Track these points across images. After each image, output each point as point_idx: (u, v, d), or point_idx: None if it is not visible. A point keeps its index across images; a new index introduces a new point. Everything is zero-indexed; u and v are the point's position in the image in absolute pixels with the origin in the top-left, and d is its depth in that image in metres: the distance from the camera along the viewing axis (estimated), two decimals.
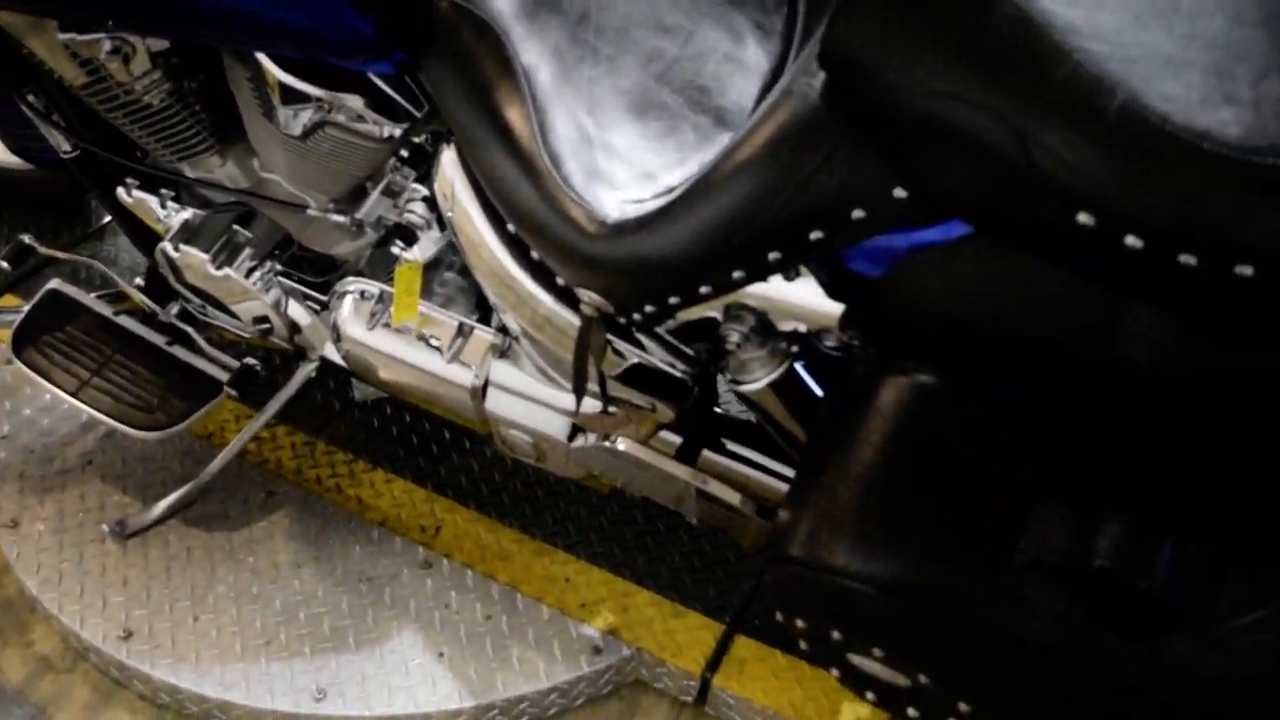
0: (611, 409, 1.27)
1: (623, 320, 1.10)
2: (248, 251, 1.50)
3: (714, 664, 1.52)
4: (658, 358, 1.19)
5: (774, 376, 1.06)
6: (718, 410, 1.33)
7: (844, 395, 0.95)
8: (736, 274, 0.98)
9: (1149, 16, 0.80)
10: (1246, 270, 0.76)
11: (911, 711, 0.96)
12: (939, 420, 0.90)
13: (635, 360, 1.20)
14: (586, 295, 1.09)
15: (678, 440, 1.31)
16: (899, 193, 0.89)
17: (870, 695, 0.97)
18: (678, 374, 1.20)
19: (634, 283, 1.04)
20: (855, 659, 0.92)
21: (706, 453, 1.30)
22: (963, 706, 0.89)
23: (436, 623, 1.56)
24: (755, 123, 0.94)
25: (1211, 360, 0.86)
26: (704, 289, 1.00)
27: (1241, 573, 0.83)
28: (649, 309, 1.05)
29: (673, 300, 1.03)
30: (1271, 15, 0.80)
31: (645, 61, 1.16)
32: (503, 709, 1.49)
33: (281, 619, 1.56)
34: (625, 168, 1.08)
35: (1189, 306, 0.84)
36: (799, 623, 0.92)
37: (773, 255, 0.95)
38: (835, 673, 0.97)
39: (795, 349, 1.06)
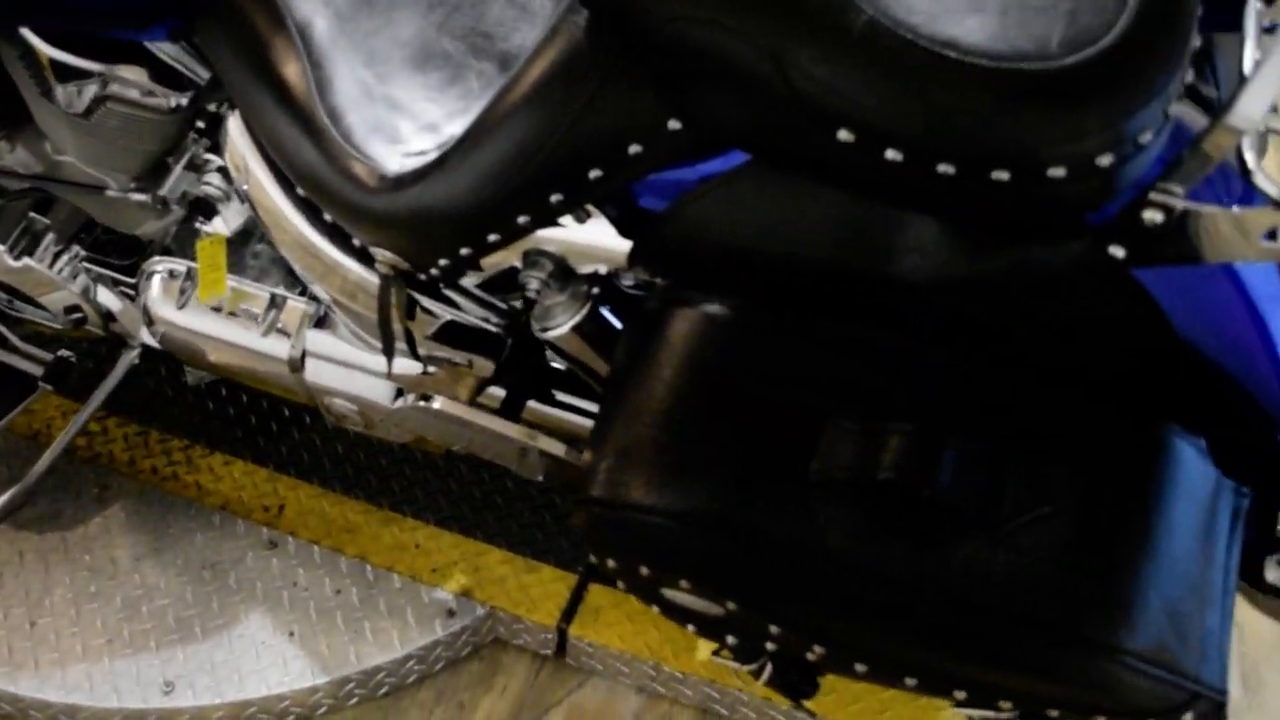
0: (431, 369, 1.25)
1: (423, 276, 1.08)
2: (49, 239, 1.43)
3: (569, 615, 1.53)
4: (470, 313, 1.17)
5: (576, 320, 1.05)
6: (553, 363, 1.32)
7: (636, 332, 0.94)
8: (521, 219, 0.96)
9: None
10: (1003, 175, 0.77)
11: (730, 639, 0.97)
12: (729, 349, 0.90)
13: (448, 318, 1.18)
14: (380, 254, 1.07)
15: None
16: (673, 125, 0.88)
17: (691, 627, 0.97)
18: (492, 328, 1.19)
19: (420, 236, 1.02)
20: (669, 593, 0.92)
21: (534, 405, 1.29)
22: (773, 629, 0.90)
23: (285, 602, 1.53)
24: (524, 65, 0.92)
25: (985, 268, 0.88)
26: (492, 237, 0.99)
27: (1024, 473, 0.85)
28: (443, 262, 1.03)
29: (464, 251, 1.01)
30: None
31: (425, 10, 1.13)
32: (359, 682, 1.48)
33: (123, 615, 1.52)
34: (407, 120, 1.06)
35: (956, 215, 0.86)
36: (610, 563, 0.92)
37: (555, 197, 0.94)
38: (656, 608, 0.97)
39: (596, 290, 1.05)
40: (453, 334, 1.20)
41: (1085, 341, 0.91)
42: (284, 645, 1.48)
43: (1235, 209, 0.79)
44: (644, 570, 0.90)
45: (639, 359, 0.92)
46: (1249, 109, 0.74)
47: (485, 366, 1.23)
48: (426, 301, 1.16)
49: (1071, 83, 0.74)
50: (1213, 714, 0.88)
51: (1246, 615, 1.14)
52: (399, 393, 1.33)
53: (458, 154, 0.96)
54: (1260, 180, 0.78)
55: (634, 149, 0.90)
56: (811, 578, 0.85)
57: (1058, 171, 0.77)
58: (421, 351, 1.22)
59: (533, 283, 1.04)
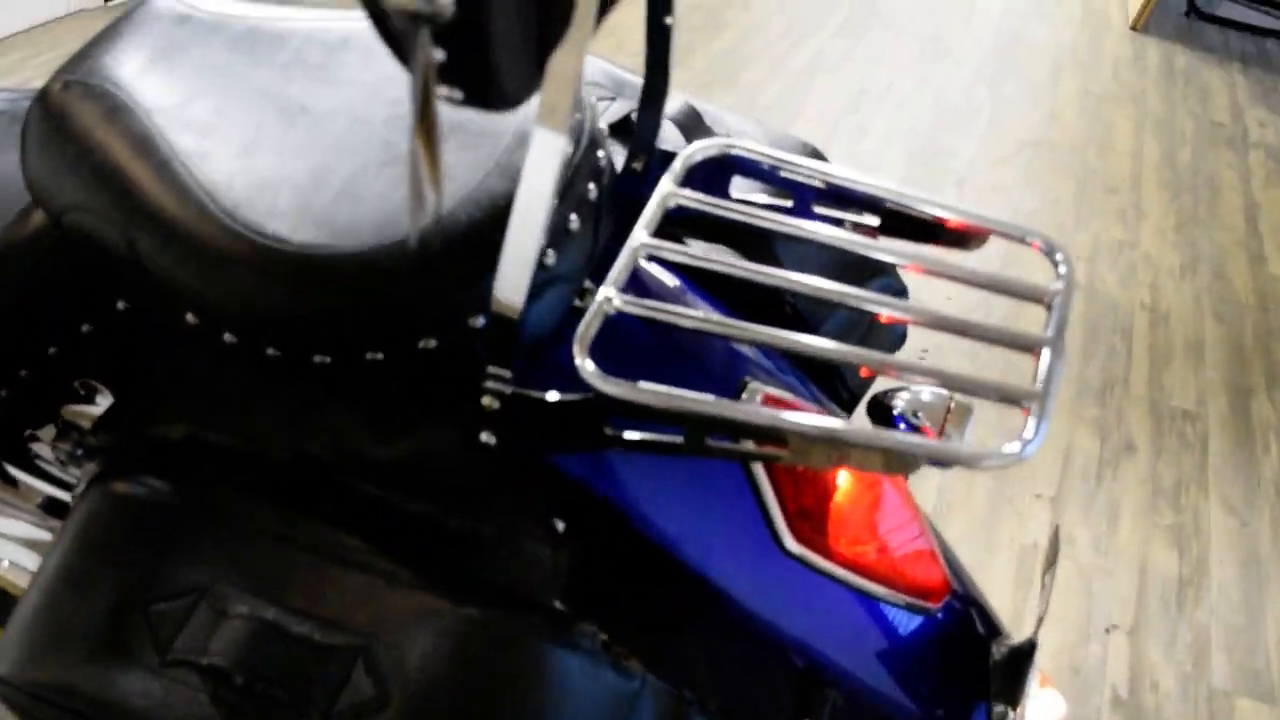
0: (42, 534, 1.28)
1: None
2: None
3: None
4: (56, 487, 1.21)
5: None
6: None
7: (73, 508, 0.96)
8: (2, 393, 1.01)
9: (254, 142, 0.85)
10: (325, 358, 0.80)
11: None
12: (133, 528, 0.92)
13: (45, 490, 1.22)
14: None
15: None
16: (121, 305, 0.93)
17: None
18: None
19: None
20: None
21: None
22: None
23: None
24: None
25: (390, 452, 0.89)
26: None
27: (372, 663, 0.84)
28: None
29: None
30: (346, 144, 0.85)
31: None
32: None
33: None
34: None
35: (304, 395, 0.88)
36: None
37: (23, 372, 0.98)
38: None
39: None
40: (56, 506, 1.23)
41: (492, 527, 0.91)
42: None
43: (551, 394, 0.77)
44: None
45: (61, 535, 0.94)
46: (501, 293, 0.74)
47: None
48: (14, 472, 1.20)
49: (370, 267, 0.76)
50: None
51: None
52: None
53: None
54: (592, 381, 0.75)
55: (85, 328, 0.94)
56: None
57: (375, 355, 0.79)
58: (31, 519, 1.25)
59: (60, 455, 1.07)
